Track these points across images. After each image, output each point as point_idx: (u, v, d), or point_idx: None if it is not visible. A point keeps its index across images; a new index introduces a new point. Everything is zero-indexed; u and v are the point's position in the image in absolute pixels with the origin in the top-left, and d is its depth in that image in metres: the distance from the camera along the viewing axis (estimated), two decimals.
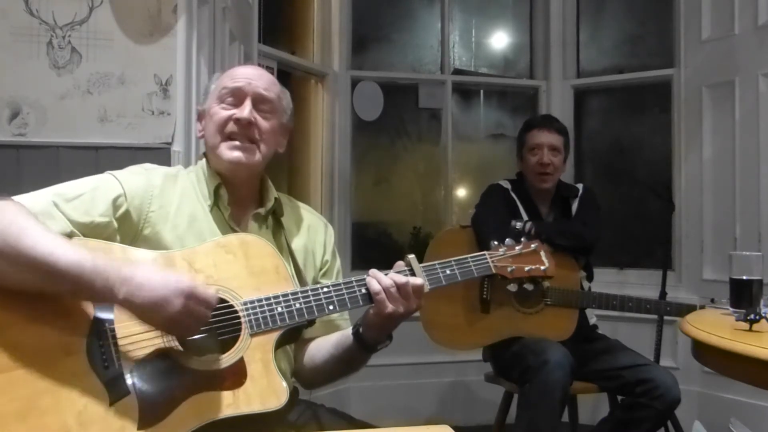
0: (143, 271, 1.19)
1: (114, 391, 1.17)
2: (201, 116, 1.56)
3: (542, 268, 1.54)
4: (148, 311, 1.17)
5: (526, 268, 1.52)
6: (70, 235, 1.28)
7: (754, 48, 3.17)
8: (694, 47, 3.47)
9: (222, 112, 1.48)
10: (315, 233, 1.60)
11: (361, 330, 1.42)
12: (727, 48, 3.29)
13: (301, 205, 1.65)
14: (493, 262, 1.50)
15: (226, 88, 1.49)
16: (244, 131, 1.46)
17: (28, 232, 1.15)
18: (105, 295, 1.16)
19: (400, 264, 1.41)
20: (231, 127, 1.46)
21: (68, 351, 1.18)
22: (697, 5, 3.42)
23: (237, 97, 1.48)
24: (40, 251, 1.13)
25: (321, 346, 1.52)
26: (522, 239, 1.55)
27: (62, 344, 1.18)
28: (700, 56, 3.44)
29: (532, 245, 1.55)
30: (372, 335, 1.41)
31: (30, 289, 1.16)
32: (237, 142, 1.45)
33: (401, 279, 1.35)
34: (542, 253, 1.55)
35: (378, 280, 1.35)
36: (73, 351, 1.18)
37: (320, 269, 1.59)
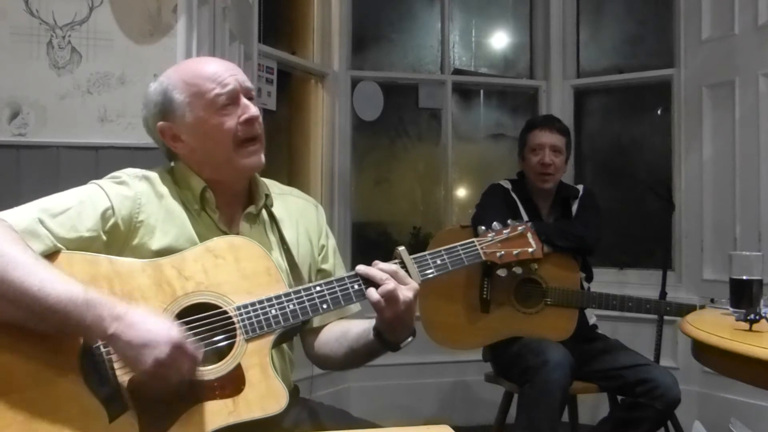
0: (136, 311, 1.16)
1: (112, 409, 1.15)
2: (170, 132, 1.42)
3: (530, 250, 1.52)
4: (134, 352, 1.13)
5: (515, 252, 1.50)
6: (56, 251, 1.24)
7: (754, 48, 3.16)
8: (694, 47, 3.47)
9: (228, 120, 1.38)
10: (308, 220, 1.57)
11: (382, 335, 1.40)
12: (727, 48, 3.29)
13: (288, 190, 1.62)
14: (482, 248, 1.48)
15: (220, 93, 1.38)
16: (253, 129, 1.41)
17: (16, 264, 1.12)
18: (94, 330, 1.14)
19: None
20: (243, 131, 1.39)
21: (61, 371, 1.15)
22: (697, 5, 3.42)
23: (232, 98, 1.39)
24: (29, 286, 1.11)
25: (340, 339, 1.49)
26: (510, 222, 1.54)
27: (55, 364, 1.15)
28: (700, 56, 3.44)
29: (519, 228, 1.53)
30: (391, 337, 1.39)
31: (13, 322, 1.13)
32: (252, 147, 1.41)
33: (390, 286, 1.31)
34: (529, 235, 1.53)
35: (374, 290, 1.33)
36: (66, 370, 1.15)
37: (319, 254, 1.57)
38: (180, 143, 1.42)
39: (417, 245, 3.84)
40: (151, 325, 1.15)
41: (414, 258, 1.40)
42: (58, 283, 1.13)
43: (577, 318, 2.55)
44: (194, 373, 1.19)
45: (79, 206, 1.30)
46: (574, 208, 2.71)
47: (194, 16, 2.34)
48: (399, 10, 4.00)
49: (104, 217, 1.31)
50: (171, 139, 1.43)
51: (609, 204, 3.63)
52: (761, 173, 3.12)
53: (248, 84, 1.44)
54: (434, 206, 4.03)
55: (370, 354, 1.45)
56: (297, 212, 1.57)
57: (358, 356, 1.47)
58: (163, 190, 1.41)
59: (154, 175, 1.43)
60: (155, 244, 1.34)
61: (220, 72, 1.41)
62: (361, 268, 1.35)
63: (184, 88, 1.40)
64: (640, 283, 3.54)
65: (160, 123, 1.42)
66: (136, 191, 1.37)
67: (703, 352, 1.66)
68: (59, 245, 1.25)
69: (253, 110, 1.41)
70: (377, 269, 1.34)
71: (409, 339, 1.40)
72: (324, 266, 1.57)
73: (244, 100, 1.41)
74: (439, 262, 1.43)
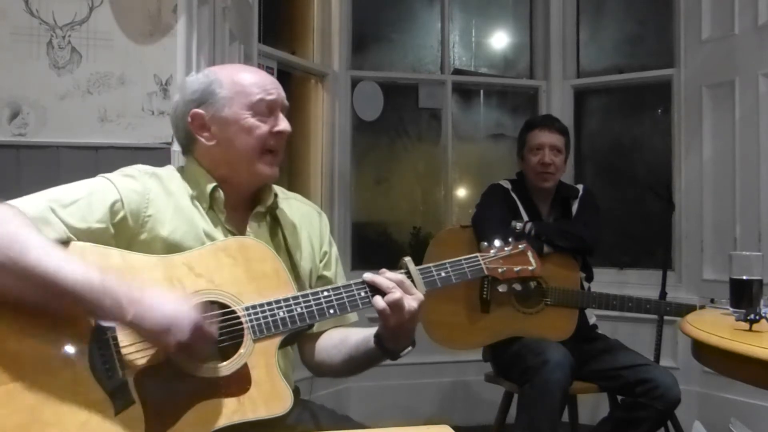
0: (153, 293, 1.18)
1: (118, 401, 1.16)
2: (200, 120, 1.44)
3: (530, 268, 1.57)
4: (156, 336, 1.17)
5: (516, 269, 1.55)
6: (67, 241, 1.25)
7: (754, 48, 3.16)
8: (694, 47, 3.47)
9: (262, 126, 1.44)
10: (311, 225, 1.59)
11: (383, 342, 1.41)
12: (727, 48, 3.29)
13: (293, 195, 1.64)
14: (485, 263, 1.52)
15: (263, 99, 1.45)
16: (280, 142, 1.47)
17: (33, 247, 1.13)
18: (113, 315, 1.16)
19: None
20: (271, 141, 1.45)
21: (69, 361, 1.16)
22: (697, 5, 3.42)
23: (271, 108, 1.47)
24: (46, 267, 1.11)
25: (338, 347, 1.50)
26: (511, 240, 1.58)
27: (63, 354, 1.16)
28: (700, 56, 3.44)
29: (520, 246, 1.58)
30: (392, 345, 1.41)
31: (30, 304, 1.14)
32: (271, 158, 1.46)
33: (396, 296, 1.34)
34: (529, 254, 1.58)
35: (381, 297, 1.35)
36: (74, 361, 1.16)
37: (320, 261, 1.58)
38: (206, 133, 1.45)
39: (417, 245, 3.84)
40: (170, 308, 1.17)
41: (419, 269, 1.43)
42: (74, 266, 1.15)
43: (577, 318, 2.55)
44: (210, 352, 1.23)
45: (89, 197, 1.31)
46: (574, 208, 2.72)
47: (194, 16, 2.34)
48: (399, 10, 4.00)
49: (113, 209, 1.32)
50: (198, 128, 1.45)
51: (609, 204, 3.64)
52: (761, 173, 3.13)
53: (287, 103, 1.52)
54: (434, 206, 4.03)
55: (369, 361, 1.46)
56: (300, 217, 1.58)
57: (356, 363, 1.48)
58: (173, 187, 1.42)
59: (163, 173, 1.45)
60: (164, 239, 1.35)
61: (267, 82, 1.49)
62: (368, 276, 1.37)
63: (230, 85, 1.45)
64: (640, 283, 3.54)
65: (194, 110, 1.45)
66: (145, 186, 1.38)
67: (703, 352, 1.66)
68: (70, 234, 1.26)
69: (287, 125, 1.48)
70: (384, 278, 1.36)
71: (409, 348, 1.43)
72: (325, 273, 1.58)
73: (280, 114, 1.48)
74: (443, 274, 1.46)
